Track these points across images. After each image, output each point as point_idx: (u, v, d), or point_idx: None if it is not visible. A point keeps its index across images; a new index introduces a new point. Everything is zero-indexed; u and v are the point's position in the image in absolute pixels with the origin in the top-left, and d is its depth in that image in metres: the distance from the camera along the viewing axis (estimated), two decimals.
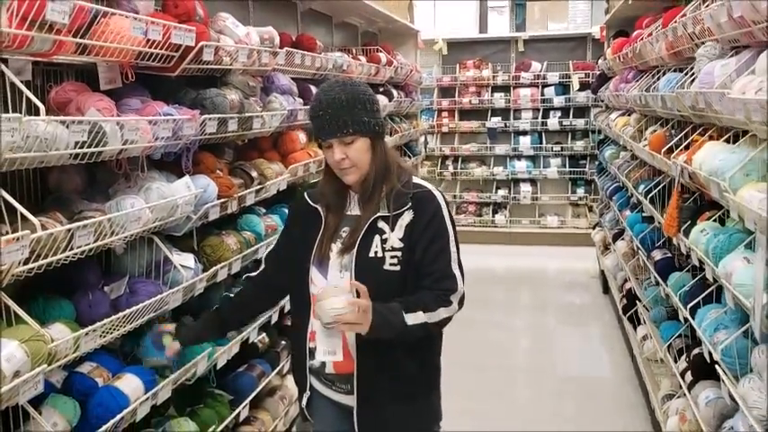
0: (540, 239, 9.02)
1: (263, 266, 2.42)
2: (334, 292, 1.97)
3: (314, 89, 4.18)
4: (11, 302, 1.90)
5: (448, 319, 2.12)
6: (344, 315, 1.92)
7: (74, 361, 2.18)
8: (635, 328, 4.66)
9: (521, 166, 9.29)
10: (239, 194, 3.09)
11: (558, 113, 9.20)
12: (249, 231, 3.33)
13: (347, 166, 2.10)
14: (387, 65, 5.97)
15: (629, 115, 5.44)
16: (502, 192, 9.37)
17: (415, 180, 2.19)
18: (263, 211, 3.65)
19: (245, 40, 3.16)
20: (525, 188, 9.30)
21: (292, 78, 3.91)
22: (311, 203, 2.23)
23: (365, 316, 1.95)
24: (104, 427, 2.15)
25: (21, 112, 1.84)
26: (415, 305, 2.05)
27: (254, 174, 3.29)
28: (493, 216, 9.32)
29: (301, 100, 3.88)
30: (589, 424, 4.18)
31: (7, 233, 1.79)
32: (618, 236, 5.68)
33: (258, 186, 3.29)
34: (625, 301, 5.12)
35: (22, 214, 1.86)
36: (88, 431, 2.13)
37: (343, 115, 2.05)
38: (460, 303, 2.13)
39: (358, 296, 1.96)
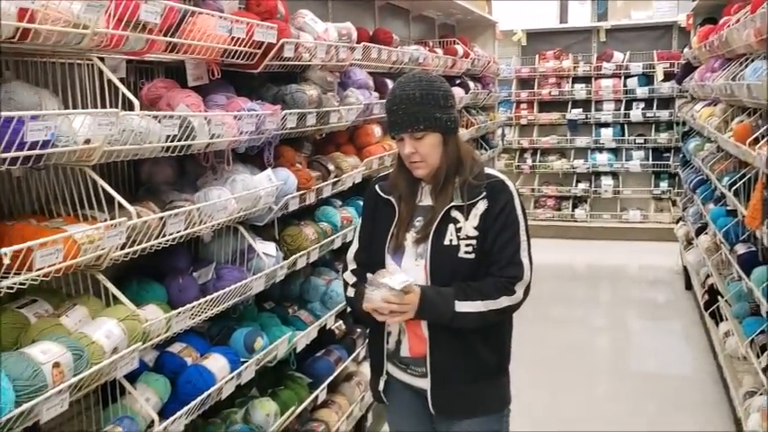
0: (622, 234, 8.81)
1: (353, 266, 2.38)
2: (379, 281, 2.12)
3: (390, 83, 4.26)
4: (109, 284, 2.05)
5: (511, 308, 2.16)
6: (390, 306, 2.08)
7: (165, 341, 2.34)
8: (717, 324, 4.53)
9: (602, 159, 9.10)
10: (317, 187, 3.19)
11: (642, 105, 8.96)
12: (326, 222, 3.44)
13: (417, 160, 2.16)
14: (463, 57, 5.98)
15: (714, 106, 5.27)
16: (582, 185, 9.20)
17: (487, 170, 2.23)
18: (340, 203, 3.75)
19: (324, 36, 3.26)
20: (607, 181, 9.10)
21: (369, 72, 3.99)
22: (383, 195, 2.29)
23: (408, 307, 2.09)
24: (192, 404, 2.29)
25: (117, 108, 1.99)
26: (472, 293, 2.11)
27: (331, 167, 3.39)
28: (573, 210, 9.16)
29: (377, 94, 3.96)
30: (669, 421, 4.10)
31: (106, 221, 1.94)
32: (701, 230, 5.51)
33: (335, 179, 3.39)
34: (707, 296, 4.97)
35: (119, 203, 2.01)
36: (177, 407, 2.27)
37: (416, 111, 2.11)
38: (525, 293, 2.16)
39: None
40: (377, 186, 2.33)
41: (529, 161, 9.41)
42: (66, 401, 1.71)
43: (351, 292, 2.33)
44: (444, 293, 2.12)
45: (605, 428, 4.00)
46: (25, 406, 1.57)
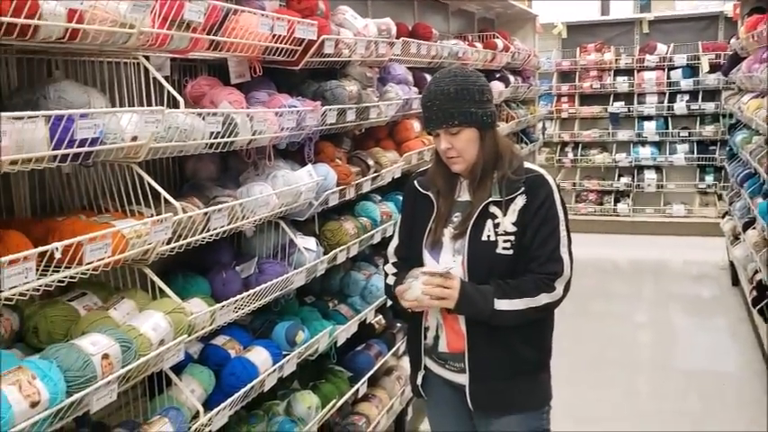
0: (666, 229, 8.65)
1: (394, 260, 2.40)
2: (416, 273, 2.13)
3: (429, 78, 4.24)
4: (156, 278, 2.09)
5: (551, 305, 2.13)
6: (432, 289, 2.08)
7: (209, 334, 2.38)
8: (766, 321, 4.43)
9: (645, 153, 8.94)
10: (357, 182, 3.21)
11: (686, 97, 8.79)
12: (365, 217, 3.46)
13: (453, 156, 2.15)
14: (503, 50, 5.94)
15: (762, 97, 5.14)
16: (625, 179, 9.06)
17: (527, 165, 2.21)
18: (379, 198, 3.76)
19: (364, 31, 3.27)
20: (650, 175, 8.95)
21: (408, 68, 3.99)
22: (421, 190, 2.28)
23: (451, 291, 2.08)
24: (236, 395, 2.33)
25: (162, 105, 2.03)
26: (511, 291, 2.09)
27: (371, 162, 3.41)
28: (615, 205, 9.03)
29: (416, 89, 3.96)
30: (714, 421, 4.02)
31: (152, 216, 1.98)
32: (749, 225, 5.39)
33: (374, 174, 3.40)
34: (755, 293, 4.86)
35: (165, 198, 2.05)
36: (221, 398, 2.31)
37: (450, 107, 2.10)
38: (566, 289, 2.14)
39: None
40: (415, 182, 2.33)
41: (570, 155, 9.30)
42: (115, 392, 1.75)
43: (391, 280, 2.33)
44: (483, 291, 2.10)
45: (648, 427, 3.95)
46: (76, 396, 1.61)
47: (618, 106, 9.07)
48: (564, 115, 9.39)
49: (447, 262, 2.18)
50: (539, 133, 7.98)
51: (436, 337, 2.28)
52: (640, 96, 9.04)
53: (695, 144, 8.78)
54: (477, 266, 2.14)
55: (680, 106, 8.74)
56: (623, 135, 9.03)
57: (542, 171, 2.20)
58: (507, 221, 2.12)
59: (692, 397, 4.40)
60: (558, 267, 2.11)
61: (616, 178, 9.10)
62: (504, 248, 2.12)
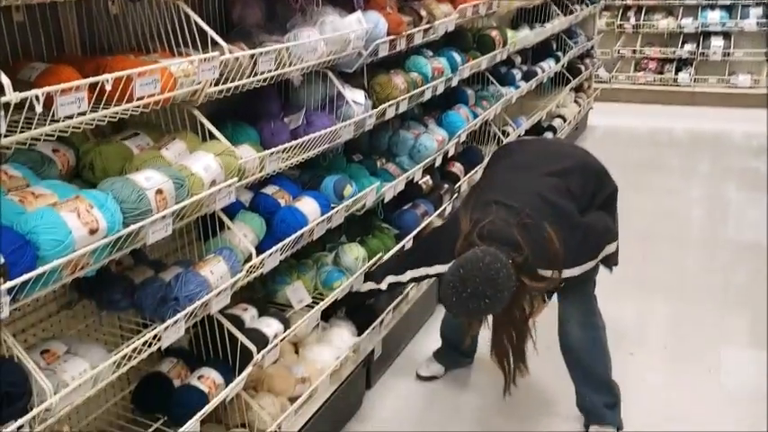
0: (728, 100, 8.27)
1: None
2: None
3: None
4: (205, 120, 2.09)
5: None
6: None
7: (259, 183, 2.40)
8: None
9: (713, 17, 8.41)
10: (408, 33, 3.09)
11: None
12: (416, 72, 3.36)
13: None
14: None
15: None
16: (689, 47, 8.59)
17: None
18: (431, 53, 3.64)
19: None
20: (716, 42, 8.45)
21: None
22: None
23: None
24: (287, 240, 2.37)
25: None
26: None
27: (423, 13, 3.26)
28: (676, 74, 8.62)
29: None
30: (763, 294, 3.97)
31: None
32: None
33: (427, 26, 3.27)
34: None
35: (212, 39, 2.01)
36: (272, 243, 2.36)
37: None
38: None
39: None
40: None
41: (632, 19, 8.81)
42: (170, 227, 1.80)
43: None
44: None
45: (694, 300, 3.94)
46: (133, 227, 1.66)
47: None
48: None
49: None
50: None
51: None
52: None
53: None
54: None
55: None
56: None
57: None
58: None
59: (743, 269, 4.34)
60: None
61: (680, 45, 8.64)
62: None
